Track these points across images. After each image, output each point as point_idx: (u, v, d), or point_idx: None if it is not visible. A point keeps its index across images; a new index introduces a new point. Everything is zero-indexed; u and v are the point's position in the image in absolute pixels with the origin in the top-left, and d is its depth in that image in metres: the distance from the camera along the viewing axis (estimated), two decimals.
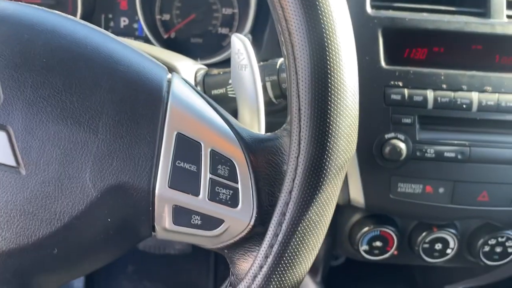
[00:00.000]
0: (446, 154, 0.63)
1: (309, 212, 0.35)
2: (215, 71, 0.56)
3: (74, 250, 0.37)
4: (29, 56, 0.35)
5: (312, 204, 0.35)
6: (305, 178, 0.35)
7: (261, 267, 0.36)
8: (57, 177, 0.35)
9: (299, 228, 0.35)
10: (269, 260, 0.36)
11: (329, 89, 0.34)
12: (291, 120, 0.36)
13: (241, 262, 0.38)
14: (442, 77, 0.63)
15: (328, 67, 0.34)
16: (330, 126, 0.34)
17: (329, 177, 0.35)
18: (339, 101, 0.34)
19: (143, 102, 0.36)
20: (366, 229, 0.75)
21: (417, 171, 0.64)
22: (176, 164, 0.36)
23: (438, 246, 0.76)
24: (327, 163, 0.35)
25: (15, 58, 0.35)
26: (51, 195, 0.35)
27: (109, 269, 1.40)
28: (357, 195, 0.67)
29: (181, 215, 0.36)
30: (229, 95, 0.53)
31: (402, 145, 0.62)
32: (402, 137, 0.63)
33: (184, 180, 0.36)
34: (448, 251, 0.77)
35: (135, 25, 0.81)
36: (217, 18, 0.81)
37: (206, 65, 0.64)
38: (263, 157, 0.38)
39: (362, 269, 1.06)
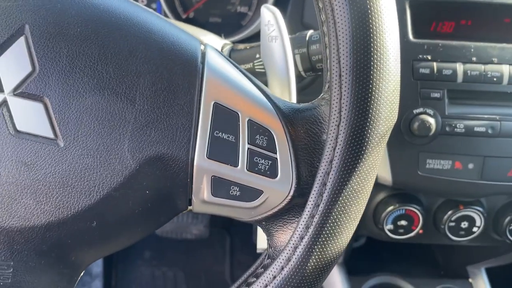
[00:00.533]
0: (476, 129, 0.61)
1: (351, 181, 0.34)
2: (241, 46, 0.55)
3: (112, 223, 0.37)
4: (63, 26, 0.35)
5: (354, 173, 0.34)
6: (347, 147, 0.34)
7: (301, 238, 0.35)
8: (95, 149, 0.34)
9: (340, 198, 0.34)
10: (310, 230, 0.35)
11: (372, 53, 0.33)
12: (330, 87, 0.35)
13: (280, 234, 0.38)
14: (472, 50, 0.62)
15: (371, 29, 0.33)
16: (373, 92, 0.33)
17: (372, 145, 0.34)
18: (382, 65, 0.33)
19: (179, 72, 0.36)
20: (391, 208, 0.75)
21: (446, 146, 0.63)
22: (214, 134, 0.35)
23: (464, 224, 0.75)
24: (369, 130, 0.34)
25: (49, 28, 0.34)
26: (89, 167, 0.34)
27: (127, 254, 1.41)
28: (384, 172, 0.66)
29: (220, 186, 0.36)
30: (257, 70, 0.52)
31: (431, 120, 0.61)
32: (431, 112, 0.62)
33: (222, 151, 0.36)
34: (474, 229, 0.76)
35: (154, 5, 0.81)
36: None
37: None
38: (301, 127, 0.37)
39: (382, 250, 1.05)
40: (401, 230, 0.76)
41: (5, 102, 0.34)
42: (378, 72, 0.33)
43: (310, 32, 0.51)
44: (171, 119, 0.35)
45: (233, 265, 1.47)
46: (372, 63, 0.33)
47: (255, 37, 0.77)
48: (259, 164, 0.36)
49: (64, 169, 0.34)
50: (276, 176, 0.36)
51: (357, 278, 0.95)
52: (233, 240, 1.47)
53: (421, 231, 0.77)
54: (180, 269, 1.46)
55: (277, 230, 0.38)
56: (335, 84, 0.34)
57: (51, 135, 0.34)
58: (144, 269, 1.45)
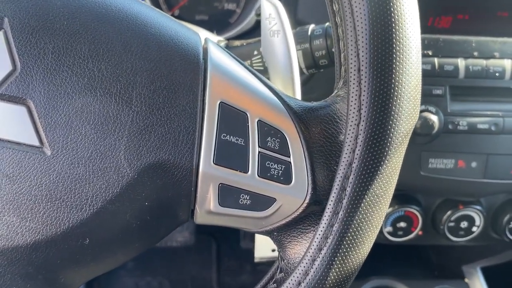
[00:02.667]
0: (479, 126, 0.60)
1: (373, 185, 0.31)
2: (237, 42, 0.52)
3: (107, 240, 0.33)
4: (48, 19, 0.31)
5: (377, 176, 0.31)
6: (368, 148, 0.31)
7: (320, 249, 0.32)
8: (88, 157, 0.30)
9: (362, 204, 0.31)
10: (330, 241, 0.32)
11: (394, 45, 0.30)
12: (347, 83, 0.32)
13: (294, 245, 0.35)
14: (473, 44, 0.60)
15: (392, 19, 0.30)
16: (396, 88, 0.30)
17: (395, 145, 0.31)
18: (404, 58, 0.31)
19: (180, 68, 0.32)
20: (390, 209, 0.72)
21: (448, 145, 0.61)
22: (222, 137, 0.32)
23: (464, 224, 0.74)
24: (392, 129, 0.31)
25: (32, 21, 0.30)
26: (81, 177, 0.30)
27: None
28: None
29: (228, 194, 0.32)
30: (255, 67, 0.49)
31: (434, 118, 0.59)
32: (433, 109, 0.60)
33: (230, 155, 0.32)
34: (474, 229, 0.74)
35: None
36: None
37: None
38: (316, 127, 0.34)
39: (376, 251, 1.03)
40: (400, 232, 0.74)
41: None
42: (401, 66, 0.30)
43: (312, 26, 0.48)
44: (172, 121, 0.31)
45: (220, 271, 1.43)
46: (394, 56, 0.30)
47: (246, 34, 0.74)
48: (272, 169, 0.33)
49: (52, 180, 0.30)
50: (290, 182, 0.33)
51: (353, 282, 0.92)
52: (219, 246, 1.44)
53: (420, 233, 0.75)
54: (165, 278, 1.41)
55: (290, 241, 0.35)
56: (354, 79, 0.31)
57: (36, 143, 0.30)
58: (127, 279, 1.40)
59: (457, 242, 0.76)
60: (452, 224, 0.74)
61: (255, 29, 0.73)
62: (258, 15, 0.69)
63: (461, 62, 0.60)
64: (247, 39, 0.55)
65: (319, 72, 0.53)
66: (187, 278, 1.41)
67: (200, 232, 1.35)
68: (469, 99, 0.61)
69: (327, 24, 0.48)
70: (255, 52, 0.48)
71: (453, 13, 0.64)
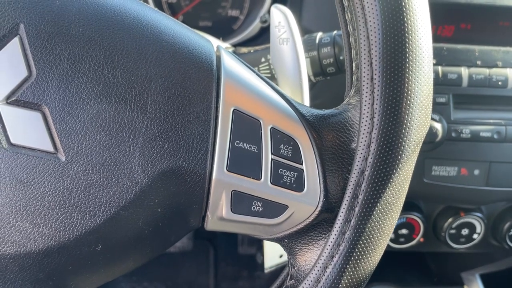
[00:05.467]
0: (482, 134, 0.60)
1: (385, 193, 0.32)
2: (244, 49, 0.52)
3: (119, 246, 0.33)
4: (63, 25, 0.31)
5: (389, 184, 0.32)
6: (380, 156, 0.31)
7: (332, 256, 0.32)
8: (102, 163, 0.30)
9: (374, 212, 0.32)
10: (342, 248, 0.32)
11: (407, 54, 0.30)
12: (360, 92, 0.32)
13: (305, 252, 0.35)
14: (477, 53, 0.60)
15: (405, 28, 0.30)
16: (408, 96, 0.31)
17: (407, 153, 0.32)
18: (416, 67, 0.31)
19: (194, 76, 0.32)
20: None
21: (452, 152, 0.61)
22: (235, 144, 0.32)
23: (465, 231, 0.74)
24: (404, 138, 0.31)
25: (47, 27, 0.30)
26: (95, 183, 0.30)
27: None
28: None
29: (241, 201, 0.32)
30: (262, 74, 0.49)
31: (438, 126, 0.59)
32: (436, 117, 0.60)
33: (244, 162, 0.32)
34: (475, 236, 0.75)
35: None
36: (226, 0, 0.77)
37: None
38: (328, 134, 0.34)
39: None
40: (402, 239, 0.74)
41: None
42: (414, 75, 0.31)
43: (320, 34, 0.49)
44: (186, 128, 0.31)
45: (217, 277, 1.43)
46: (407, 65, 0.30)
47: (250, 41, 0.74)
48: (284, 177, 0.33)
49: (66, 186, 0.30)
50: (303, 189, 0.33)
51: None
52: (217, 251, 1.43)
53: (422, 239, 0.75)
54: (162, 284, 1.41)
55: (301, 248, 0.35)
56: (366, 88, 0.31)
57: (51, 149, 0.30)
58: (124, 285, 1.39)
59: (458, 249, 0.76)
60: (453, 231, 0.74)
61: (259, 36, 0.73)
62: (264, 22, 0.70)
63: (464, 71, 0.60)
64: (252, 46, 0.55)
65: (323, 80, 0.53)
66: (184, 284, 1.40)
67: (197, 238, 1.35)
68: (472, 107, 0.62)
69: (334, 32, 0.48)
70: (263, 59, 0.48)
71: (456, 22, 0.64)
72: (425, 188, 0.64)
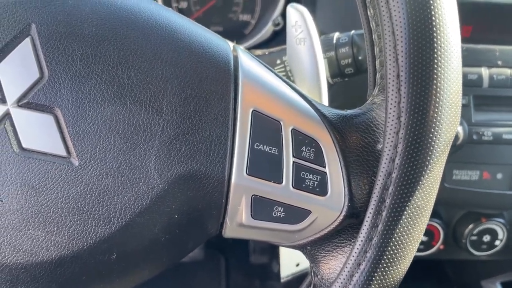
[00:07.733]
0: (504, 136, 0.58)
1: (414, 196, 0.30)
2: (258, 51, 0.51)
3: (134, 254, 0.31)
4: (76, 25, 0.30)
5: (418, 187, 0.30)
6: (409, 157, 0.29)
7: (358, 264, 0.30)
8: (117, 167, 0.29)
9: (403, 216, 0.30)
10: (369, 255, 0.30)
11: (435, 49, 0.29)
12: (385, 90, 0.30)
13: (329, 260, 0.33)
14: (497, 53, 0.59)
15: (433, 23, 0.29)
16: (437, 94, 0.29)
17: (436, 154, 0.30)
18: (445, 63, 0.29)
19: (211, 76, 0.31)
20: None
21: (473, 156, 0.59)
22: (255, 146, 0.31)
23: (487, 238, 0.72)
24: (434, 137, 0.30)
25: (59, 27, 0.29)
26: (109, 189, 0.29)
27: None
28: None
29: (262, 207, 0.31)
30: None
31: (459, 128, 0.57)
32: None
33: (264, 166, 0.31)
34: (497, 242, 0.72)
35: None
36: (238, 5, 0.76)
37: None
38: (351, 136, 0.32)
39: None
40: (421, 247, 0.72)
41: (8, 115, 0.28)
42: (442, 71, 0.29)
43: (337, 34, 0.47)
44: (204, 130, 0.30)
45: (229, 287, 1.41)
46: (435, 61, 0.29)
47: (261, 45, 0.73)
48: (307, 180, 0.31)
49: (79, 192, 0.29)
50: (326, 193, 0.31)
51: None
52: (228, 261, 1.41)
53: (442, 247, 0.73)
54: None
55: (325, 256, 0.33)
56: (392, 86, 0.30)
57: (63, 153, 0.29)
58: None
59: (479, 257, 0.74)
60: (474, 237, 0.72)
61: (272, 40, 0.72)
62: (277, 25, 0.69)
63: (485, 71, 0.59)
64: (265, 49, 0.54)
65: (340, 82, 0.52)
66: None
67: (208, 247, 1.33)
68: (494, 108, 0.60)
69: (352, 32, 0.47)
70: (278, 61, 0.47)
71: (473, 23, 0.63)
72: (446, 193, 0.62)
